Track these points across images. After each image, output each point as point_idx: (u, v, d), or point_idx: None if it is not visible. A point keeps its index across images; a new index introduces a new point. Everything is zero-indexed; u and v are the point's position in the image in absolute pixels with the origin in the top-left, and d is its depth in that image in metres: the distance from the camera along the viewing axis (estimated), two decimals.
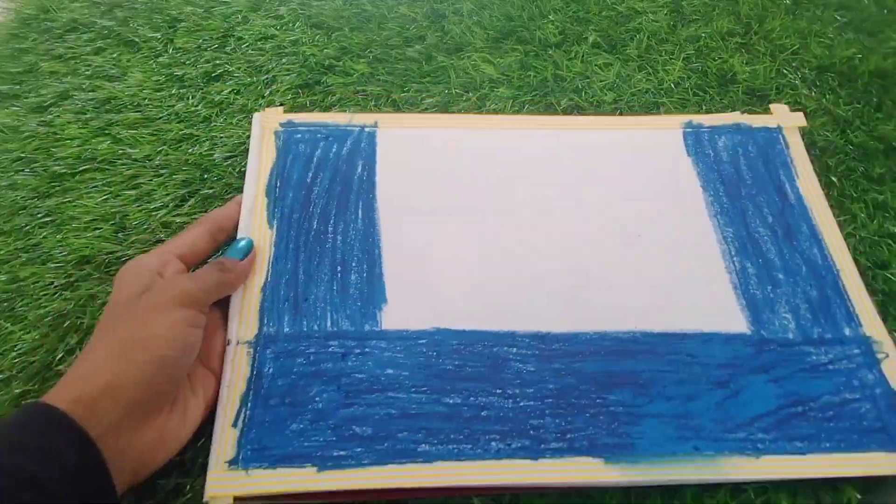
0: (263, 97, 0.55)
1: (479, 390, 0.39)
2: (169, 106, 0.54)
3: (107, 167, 0.51)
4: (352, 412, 0.38)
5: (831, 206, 0.47)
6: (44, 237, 0.47)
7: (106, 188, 0.49)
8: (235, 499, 0.35)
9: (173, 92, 0.56)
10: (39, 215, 0.48)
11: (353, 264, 0.44)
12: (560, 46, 0.58)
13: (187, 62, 0.58)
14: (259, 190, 0.46)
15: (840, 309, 0.42)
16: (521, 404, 0.39)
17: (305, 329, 0.41)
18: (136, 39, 0.60)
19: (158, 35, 0.60)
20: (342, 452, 0.37)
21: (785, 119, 0.50)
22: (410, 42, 0.59)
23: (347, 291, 0.43)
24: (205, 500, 0.35)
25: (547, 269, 0.44)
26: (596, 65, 0.56)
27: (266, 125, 0.49)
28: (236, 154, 0.51)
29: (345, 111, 0.53)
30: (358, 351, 0.40)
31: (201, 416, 0.37)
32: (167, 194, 0.49)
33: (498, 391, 0.39)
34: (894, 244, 0.46)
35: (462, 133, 0.50)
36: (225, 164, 0.50)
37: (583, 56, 0.57)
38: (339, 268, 0.44)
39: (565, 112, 0.53)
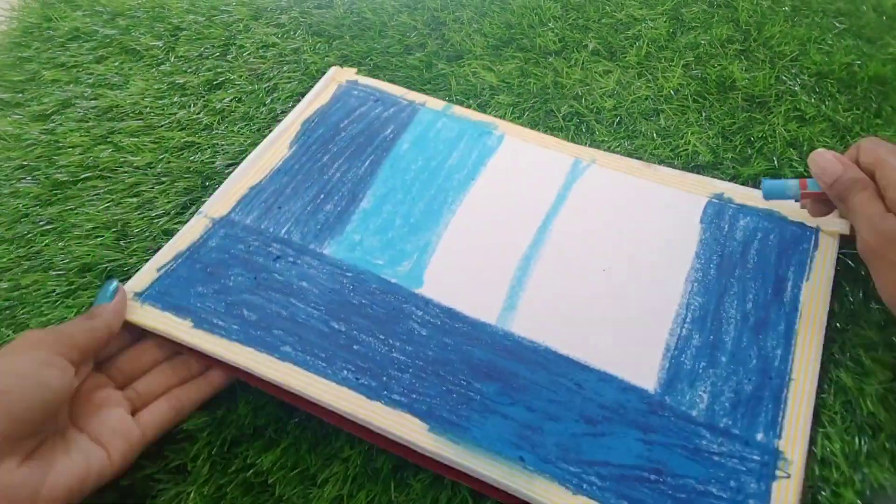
0: (265, 105, 0.55)
1: (365, 328, 0.42)
2: (170, 114, 0.55)
3: (108, 175, 0.51)
4: (250, 299, 0.43)
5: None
6: (45, 245, 0.47)
7: (108, 196, 0.50)
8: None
9: (175, 100, 0.56)
10: (41, 223, 0.48)
11: (336, 198, 0.48)
12: (560, 54, 0.58)
13: (189, 70, 0.58)
14: (297, 118, 0.53)
15: (767, 414, 0.38)
16: (392, 355, 0.40)
17: (262, 227, 0.46)
18: (138, 48, 0.60)
19: (160, 44, 0.60)
20: (220, 323, 0.41)
21: (827, 223, 0.45)
22: (411, 50, 0.59)
23: (317, 215, 0.47)
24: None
25: (503, 264, 0.45)
26: (596, 72, 0.56)
27: (334, 78, 0.56)
28: (238, 162, 0.51)
29: None
30: (291, 259, 0.45)
31: (76, 482, 0.33)
32: (168, 202, 0.49)
33: (380, 336, 0.41)
34: None
35: (501, 136, 0.52)
36: (226, 171, 0.50)
37: (583, 63, 0.57)
38: (322, 195, 0.48)
39: (565, 119, 0.53)
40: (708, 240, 0.46)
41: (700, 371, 0.40)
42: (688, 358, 0.41)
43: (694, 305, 0.43)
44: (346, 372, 0.39)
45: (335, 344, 0.41)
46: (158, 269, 0.44)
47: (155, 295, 0.43)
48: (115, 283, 0.41)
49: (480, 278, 0.44)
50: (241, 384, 0.40)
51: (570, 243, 0.46)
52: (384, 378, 0.39)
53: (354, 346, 0.41)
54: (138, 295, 0.42)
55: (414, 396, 0.39)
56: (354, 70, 0.56)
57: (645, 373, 0.40)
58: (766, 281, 0.44)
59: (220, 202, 0.48)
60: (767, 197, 0.43)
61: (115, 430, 0.36)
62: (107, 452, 0.35)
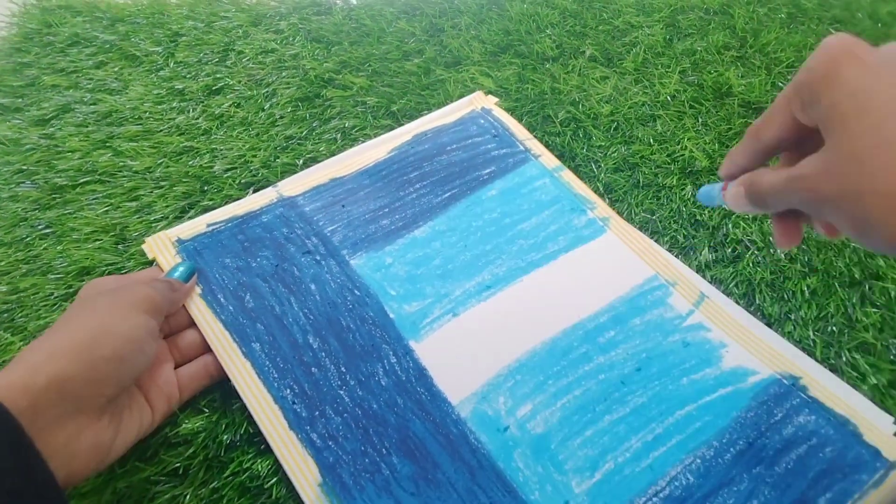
0: (263, 110, 0.55)
1: (333, 354, 0.40)
2: (170, 119, 0.55)
3: (107, 179, 0.51)
4: (259, 285, 0.43)
5: None
6: (44, 248, 0.47)
7: (106, 200, 0.50)
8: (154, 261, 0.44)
9: (174, 105, 0.56)
10: (40, 227, 0.49)
11: (397, 217, 0.47)
12: (557, 60, 0.59)
13: (188, 76, 0.58)
14: (414, 129, 0.52)
15: None
16: (339, 392, 0.39)
17: (315, 218, 0.46)
18: (138, 53, 0.60)
19: (160, 49, 0.61)
20: (222, 300, 0.42)
21: None
22: (409, 56, 0.59)
23: (368, 226, 0.46)
24: (144, 246, 0.44)
25: (506, 350, 0.41)
26: (593, 78, 0.57)
27: (472, 102, 0.54)
28: (236, 166, 0.51)
29: (344, 124, 0.54)
30: (318, 258, 0.44)
31: (131, 440, 0.35)
32: (167, 206, 0.49)
33: (342, 369, 0.40)
34: (890, 256, 0.46)
35: (602, 228, 0.48)
36: (225, 176, 0.51)
37: (580, 70, 0.57)
38: (386, 209, 0.47)
39: (562, 125, 0.53)
40: (746, 420, 0.37)
41: None
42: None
43: (679, 482, 0.36)
44: (288, 391, 0.39)
45: (298, 359, 0.40)
46: (209, 225, 0.45)
47: (190, 250, 0.44)
48: (189, 264, 0.43)
49: (473, 353, 0.40)
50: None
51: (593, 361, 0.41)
52: (317, 413, 0.38)
53: (313, 369, 0.39)
54: (180, 241, 0.44)
55: (330, 444, 0.37)
56: (496, 100, 0.54)
57: None
58: (784, 496, 0.35)
59: (297, 182, 0.48)
60: (702, 201, 0.36)
61: (162, 391, 0.38)
62: (152, 412, 0.37)
